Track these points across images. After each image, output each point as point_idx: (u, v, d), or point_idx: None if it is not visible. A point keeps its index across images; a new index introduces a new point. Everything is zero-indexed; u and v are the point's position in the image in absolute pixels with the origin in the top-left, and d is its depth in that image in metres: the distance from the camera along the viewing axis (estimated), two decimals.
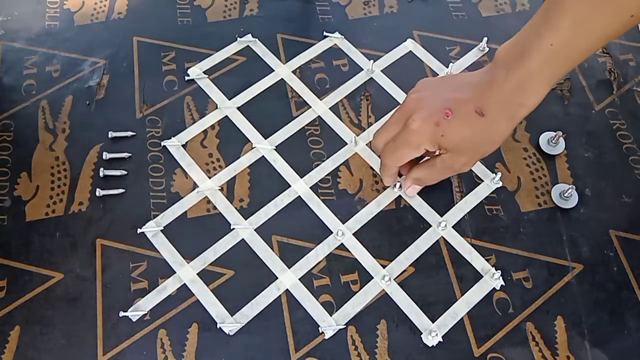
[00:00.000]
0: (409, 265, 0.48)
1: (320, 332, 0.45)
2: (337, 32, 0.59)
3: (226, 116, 0.54)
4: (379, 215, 0.50)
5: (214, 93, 0.56)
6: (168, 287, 0.46)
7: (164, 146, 0.52)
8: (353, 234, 0.49)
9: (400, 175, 0.50)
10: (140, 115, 0.54)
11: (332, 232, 0.49)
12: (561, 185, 0.52)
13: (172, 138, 0.53)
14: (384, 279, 0.47)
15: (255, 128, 0.54)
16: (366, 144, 0.54)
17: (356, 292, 0.47)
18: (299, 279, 0.47)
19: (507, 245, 0.49)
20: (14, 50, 0.57)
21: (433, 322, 0.46)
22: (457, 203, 0.51)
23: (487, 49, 0.59)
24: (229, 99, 0.55)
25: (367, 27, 0.60)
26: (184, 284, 0.47)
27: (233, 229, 0.49)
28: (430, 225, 0.50)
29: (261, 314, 0.46)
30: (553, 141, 0.53)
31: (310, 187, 0.51)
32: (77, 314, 0.45)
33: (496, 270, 0.47)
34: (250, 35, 0.59)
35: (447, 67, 0.58)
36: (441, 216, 0.50)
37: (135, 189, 0.50)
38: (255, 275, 0.47)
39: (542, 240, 0.50)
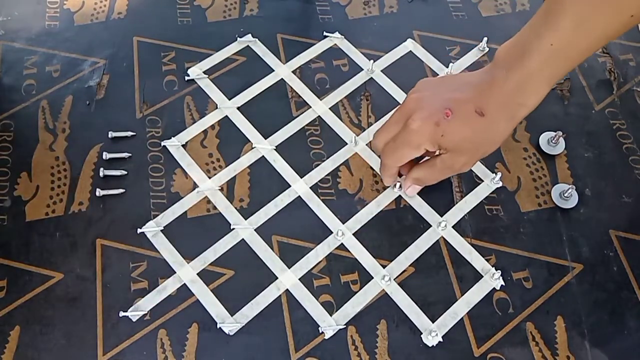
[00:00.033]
0: (409, 265, 0.48)
1: (320, 332, 0.45)
2: (337, 32, 0.59)
3: (226, 116, 0.54)
4: (379, 215, 0.50)
5: (214, 93, 0.56)
6: (168, 287, 0.46)
7: (164, 146, 0.52)
8: (353, 234, 0.49)
9: (400, 175, 0.50)
10: (140, 115, 0.54)
11: (332, 232, 0.49)
12: (561, 185, 0.52)
13: (172, 138, 0.53)
14: (384, 279, 0.47)
15: (255, 128, 0.54)
16: (366, 144, 0.54)
17: (356, 292, 0.47)
18: (299, 279, 0.47)
19: (507, 245, 0.49)
20: (14, 50, 0.57)
21: (433, 322, 0.46)
22: (457, 203, 0.51)
23: (487, 49, 0.59)
24: (229, 99, 0.55)
25: (367, 27, 0.60)
26: (184, 284, 0.47)
27: (233, 229, 0.49)
28: (430, 225, 0.50)
29: (261, 314, 0.46)
30: (553, 141, 0.53)
31: (310, 187, 0.51)
32: (77, 314, 0.45)
33: (496, 270, 0.47)
34: (250, 35, 0.59)
35: (447, 67, 0.58)
36: (441, 216, 0.50)
37: (135, 189, 0.50)
38: (255, 275, 0.47)
39: (542, 240, 0.50)
